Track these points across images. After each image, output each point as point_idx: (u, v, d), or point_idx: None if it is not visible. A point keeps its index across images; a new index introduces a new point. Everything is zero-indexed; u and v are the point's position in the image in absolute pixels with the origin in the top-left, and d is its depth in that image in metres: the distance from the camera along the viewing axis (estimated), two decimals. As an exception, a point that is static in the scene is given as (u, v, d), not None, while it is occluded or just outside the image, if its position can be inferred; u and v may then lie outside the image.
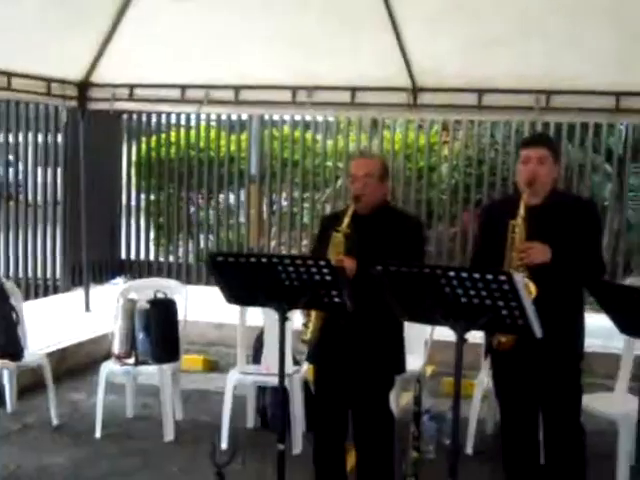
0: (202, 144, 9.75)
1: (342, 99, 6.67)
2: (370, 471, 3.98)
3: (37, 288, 9.37)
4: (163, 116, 9.85)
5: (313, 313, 3.76)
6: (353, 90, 6.59)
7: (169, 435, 5.13)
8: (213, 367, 6.86)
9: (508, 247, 3.57)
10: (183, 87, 6.97)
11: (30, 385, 5.73)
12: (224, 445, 4.88)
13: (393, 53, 6.10)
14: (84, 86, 7.16)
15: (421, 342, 5.26)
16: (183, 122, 9.82)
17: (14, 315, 5.18)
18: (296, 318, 3.99)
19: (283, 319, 3.34)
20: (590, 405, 4.29)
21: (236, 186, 9.69)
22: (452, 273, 2.81)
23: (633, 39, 5.40)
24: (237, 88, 6.84)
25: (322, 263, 3.21)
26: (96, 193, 9.06)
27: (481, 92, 6.31)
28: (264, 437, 5.00)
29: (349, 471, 4.14)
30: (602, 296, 3.13)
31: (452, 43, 5.82)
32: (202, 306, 6.53)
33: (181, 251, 9.87)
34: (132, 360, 5.15)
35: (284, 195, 9.63)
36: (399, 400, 5.25)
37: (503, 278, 2.74)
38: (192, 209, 9.92)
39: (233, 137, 9.74)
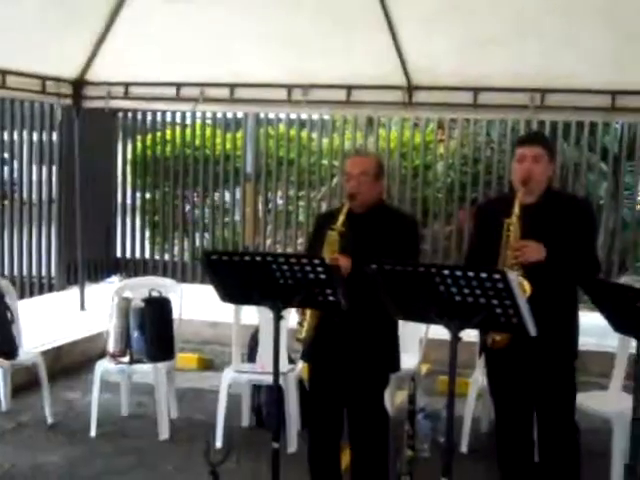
0: (197, 142, 9.75)
1: (337, 97, 6.66)
2: (365, 469, 3.98)
3: (32, 286, 9.35)
4: (158, 114, 9.83)
5: (308, 312, 3.76)
6: (349, 88, 6.59)
7: (164, 434, 5.13)
8: (208, 366, 6.86)
9: (503, 245, 3.57)
10: (178, 85, 6.97)
11: (25, 384, 5.73)
12: (219, 444, 4.89)
13: (388, 51, 6.10)
14: (79, 84, 7.15)
15: (416, 340, 5.27)
16: (178, 120, 9.84)
17: (9, 314, 5.19)
18: (291, 317, 3.99)
19: (278, 318, 3.34)
20: (584, 403, 4.30)
21: (231, 184, 9.69)
22: (446, 272, 2.81)
23: (628, 38, 5.41)
24: (232, 86, 6.84)
25: (316, 262, 3.20)
26: (91, 191, 9.05)
27: (476, 90, 6.32)
28: (259, 436, 5.00)
29: (344, 470, 4.13)
30: (596, 294, 3.13)
31: (447, 41, 5.82)
32: (197, 304, 6.53)
33: (176, 249, 9.87)
34: (127, 359, 5.15)
35: (279, 193, 9.63)
36: (394, 399, 5.25)
37: (497, 277, 2.74)
38: (187, 207, 9.93)
39: (228, 135, 9.75)
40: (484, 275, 2.75)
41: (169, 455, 4.88)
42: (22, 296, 8.53)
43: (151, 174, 9.88)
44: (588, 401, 4.42)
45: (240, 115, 9.65)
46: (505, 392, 3.86)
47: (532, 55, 5.73)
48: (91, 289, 8.27)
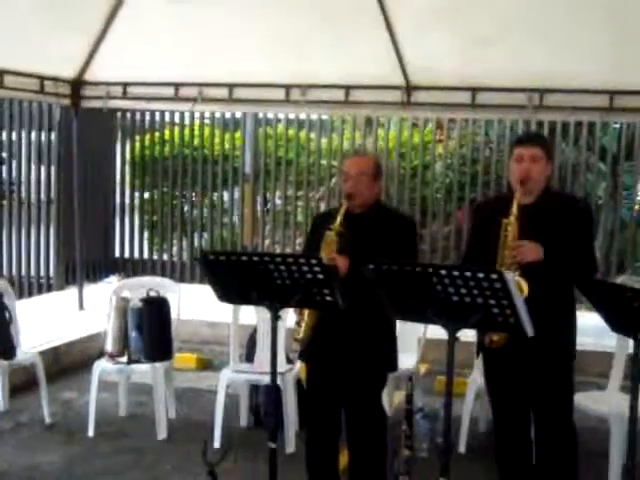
0: (196, 142, 9.75)
1: (336, 97, 6.67)
2: (362, 470, 3.98)
3: (30, 286, 9.35)
4: (157, 114, 9.84)
5: (306, 312, 3.76)
6: (347, 88, 6.59)
7: (162, 433, 5.13)
8: (206, 365, 6.86)
9: (501, 245, 3.57)
10: (177, 85, 6.97)
11: (23, 384, 5.72)
12: (217, 443, 4.89)
13: (387, 51, 6.10)
14: (78, 84, 7.14)
15: (414, 340, 5.27)
16: (177, 120, 9.83)
17: (7, 313, 5.18)
18: (289, 317, 3.99)
19: (275, 318, 3.34)
20: (582, 403, 4.31)
21: (230, 184, 9.70)
22: (443, 271, 2.81)
23: (627, 38, 5.42)
24: (231, 86, 6.83)
25: (314, 262, 3.20)
26: (90, 191, 9.07)
27: (475, 90, 6.32)
28: (257, 435, 4.99)
29: (342, 470, 4.13)
30: (593, 294, 3.13)
31: (446, 42, 5.82)
32: (195, 304, 6.52)
33: (175, 249, 9.87)
34: (125, 358, 5.15)
35: (278, 193, 9.63)
36: (392, 398, 5.25)
37: (494, 277, 2.74)
38: (186, 207, 9.92)
39: (227, 135, 9.75)
40: (481, 275, 2.74)
41: (167, 455, 4.87)
42: (20, 296, 8.53)
43: (150, 174, 9.89)
44: (586, 401, 4.43)
45: (239, 115, 9.66)
46: (503, 392, 3.86)
47: (531, 55, 5.73)
48: (89, 289, 8.26)
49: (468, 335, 3.17)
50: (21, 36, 5.80)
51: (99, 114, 8.17)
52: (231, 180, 9.66)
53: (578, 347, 3.80)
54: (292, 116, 9.30)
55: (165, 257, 9.89)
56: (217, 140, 9.66)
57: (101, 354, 5.39)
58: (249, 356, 5.40)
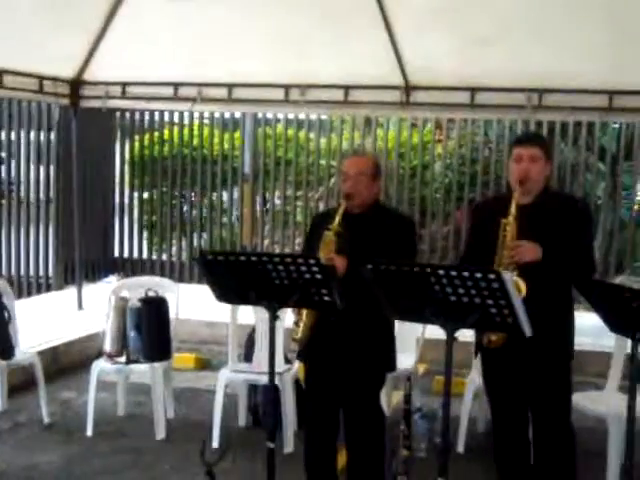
0: (195, 142, 9.76)
1: (335, 97, 6.67)
2: (361, 470, 3.98)
3: (30, 286, 9.36)
4: (156, 114, 9.84)
5: (304, 312, 3.77)
6: (346, 88, 6.59)
7: (160, 433, 5.12)
8: (205, 365, 6.85)
9: (499, 245, 3.57)
10: (176, 85, 6.97)
11: (21, 383, 5.72)
12: (215, 443, 4.89)
13: (386, 51, 6.10)
14: (77, 84, 7.14)
15: (413, 340, 5.26)
16: (176, 120, 9.82)
17: (6, 313, 5.18)
18: (287, 317, 3.99)
19: (273, 317, 3.34)
20: (581, 403, 4.31)
21: (229, 184, 9.70)
22: (441, 271, 2.81)
23: (626, 38, 5.42)
24: (230, 86, 6.83)
25: (312, 262, 3.20)
26: (89, 191, 9.08)
27: (474, 90, 6.32)
28: (255, 435, 4.98)
29: (340, 470, 4.13)
30: (592, 295, 3.13)
31: (445, 42, 5.82)
32: (194, 304, 6.52)
33: (174, 249, 9.87)
34: (124, 358, 5.14)
35: (277, 193, 9.63)
36: (390, 398, 5.26)
37: (492, 277, 2.74)
38: (185, 207, 9.93)
39: (226, 135, 9.74)
40: (479, 275, 2.74)
41: (166, 455, 4.87)
42: (19, 296, 8.54)
43: (149, 174, 9.89)
44: (584, 401, 4.43)
45: (238, 115, 9.66)
46: (501, 392, 3.86)
47: (530, 55, 5.73)
48: (88, 289, 8.26)
49: (466, 335, 3.17)
50: (20, 36, 5.80)
51: (98, 114, 8.16)
52: (230, 180, 9.66)
53: (576, 347, 3.80)
54: (291, 116, 9.30)
55: (164, 257, 9.89)
56: (216, 140, 9.66)
57: (100, 354, 5.38)
58: (247, 356, 5.40)
